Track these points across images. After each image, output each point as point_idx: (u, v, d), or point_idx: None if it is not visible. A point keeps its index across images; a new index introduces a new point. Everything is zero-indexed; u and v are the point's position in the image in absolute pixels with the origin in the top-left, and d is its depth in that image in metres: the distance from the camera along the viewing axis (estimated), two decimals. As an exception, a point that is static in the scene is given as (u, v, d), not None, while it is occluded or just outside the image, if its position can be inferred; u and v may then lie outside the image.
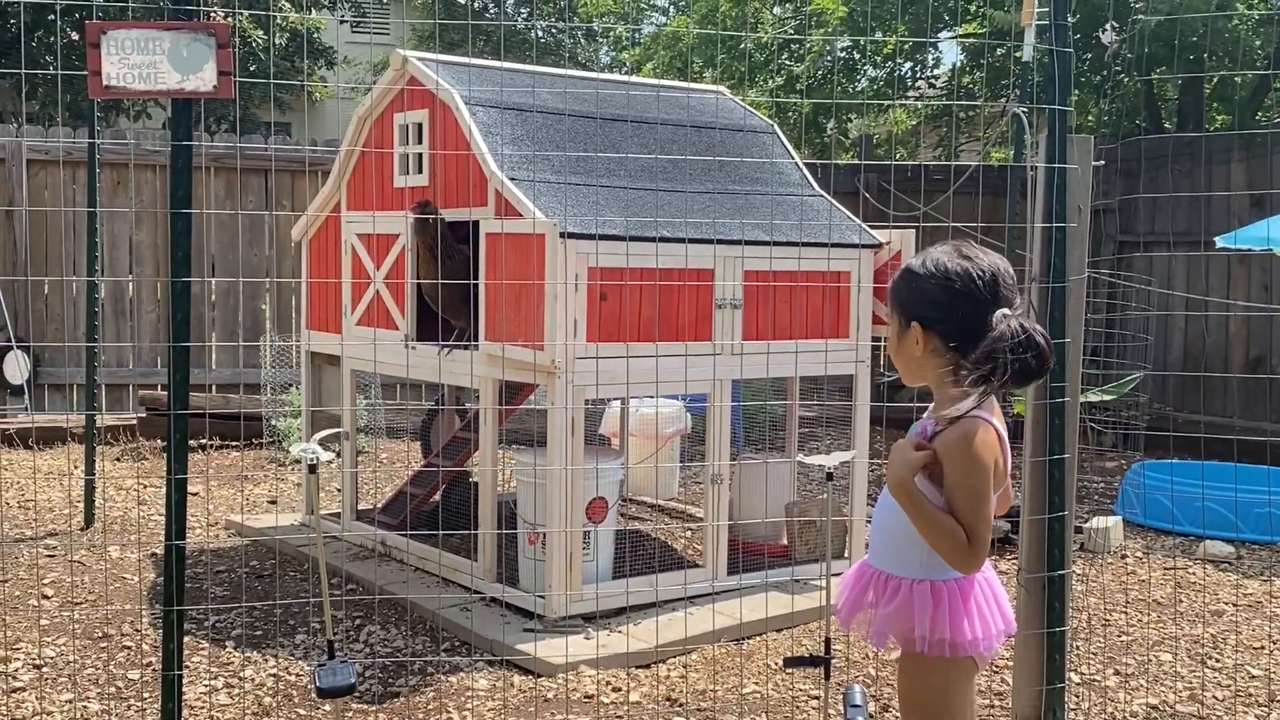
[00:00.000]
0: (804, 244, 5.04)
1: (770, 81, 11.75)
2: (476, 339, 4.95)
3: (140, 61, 2.73)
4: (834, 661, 4.17)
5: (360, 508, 6.08)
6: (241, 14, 14.29)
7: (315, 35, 17.16)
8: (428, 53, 5.34)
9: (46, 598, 5.03)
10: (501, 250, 4.71)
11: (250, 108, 15.82)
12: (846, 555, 5.43)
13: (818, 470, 6.61)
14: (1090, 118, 12.21)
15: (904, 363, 2.47)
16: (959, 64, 12.71)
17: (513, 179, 4.76)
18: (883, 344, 5.41)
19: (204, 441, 8.51)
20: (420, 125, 5.24)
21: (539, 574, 4.76)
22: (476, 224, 4.88)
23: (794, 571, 5.21)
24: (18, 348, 9.21)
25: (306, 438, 6.15)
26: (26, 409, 9.07)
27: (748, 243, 4.91)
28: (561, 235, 4.48)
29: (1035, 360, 2.32)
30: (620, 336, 4.69)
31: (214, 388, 9.59)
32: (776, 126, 5.81)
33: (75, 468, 7.48)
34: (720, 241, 4.85)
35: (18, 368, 9.27)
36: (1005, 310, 2.36)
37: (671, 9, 22.42)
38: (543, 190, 4.78)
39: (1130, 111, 11.58)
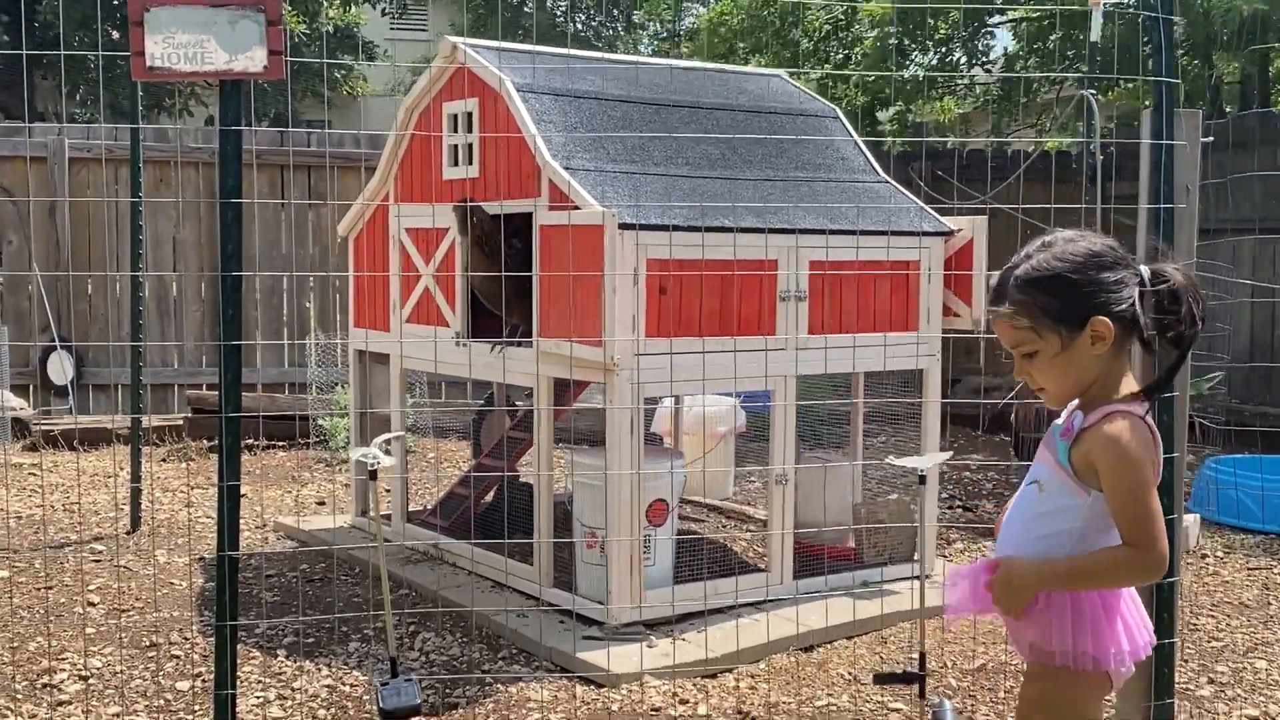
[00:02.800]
0: (872, 232, 4.83)
1: (821, 69, 11.50)
2: (530, 335, 4.76)
3: (186, 41, 2.56)
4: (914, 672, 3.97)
5: (410, 509, 5.92)
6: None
7: (356, 29, 17.06)
8: (478, 39, 5.15)
9: (92, 605, 4.89)
10: (557, 243, 4.52)
11: (292, 102, 15.73)
12: (917, 557, 5.21)
13: (879, 469, 6.38)
14: (1148, 102, 11.88)
15: (1073, 373, 2.23)
16: (1009, 50, 12.43)
17: (568, 168, 4.57)
18: (947, 338, 5.19)
19: (250, 442, 8.39)
20: (470, 114, 5.07)
21: (599, 579, 4.57)
22: (530, 216, 4.70)
23: (873, 575, 5.00)
24: (61, 348, 9.14)
25: (355, 439, 5.99)
26: (71, 410, 8.99)
27: (814, 231, 4.70)
28: (620, 226, 4.29)
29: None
30: (681, 331, 4.50)
31: (260, 387, 9.48)
32: (839, 109, 5.59)
33: (120, 469, 7.37)
34: (785, 231, 4.65)
35: (61, 368, 9.20)
36: (1145, 265, 2.24)
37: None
38: (599, 179, 4.59)
39: (1189, 95, 11.26)
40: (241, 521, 6.22)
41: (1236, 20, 8.75)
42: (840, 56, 12.14)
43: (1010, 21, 11.72)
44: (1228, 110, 10.96)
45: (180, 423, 8.47)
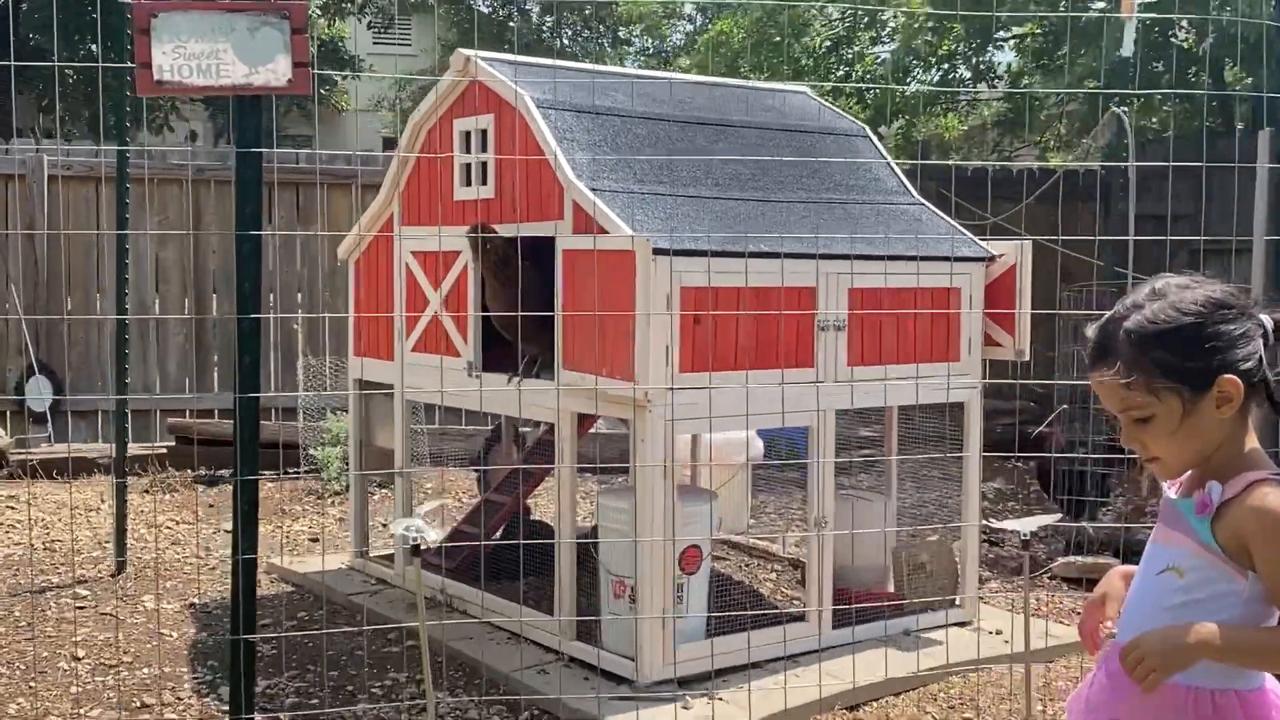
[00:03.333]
0: (915, 258, 4.53)
1: (822, 85, 11.24)
2: (551, 367, 4.45)
3: (199, 51, 2.23)
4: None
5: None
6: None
7: (339, 44, 16.72)
8: (491, 51, 4.84)
9: (78, 659, 4.53)
10: (582, 269, 4.21)
11: (276, 117, 15.35)
12: (959, 603, 4.91)
13: (914, 506, 6.08)
14: (1154, 120, 11.68)
15: (1196, 440, 1.95)
16: (1013, 66, 12.20)
17: (593, 189, 4.26)
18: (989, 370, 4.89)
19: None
20: (485, 131, 4.75)
21: (626, 632, 4.25)
22: (552, 241, 4.38)
23: (914, 622, 4.69)
24: (40, 373, 8.75)
25: (356, 472, 5.65)
26: (50, 438, 8.61)
27: (857, 257, 4.40)
28: (654, 252, 3.98)
29: None
30: (716, 364, 4.18)
31: (245, 412, 9.12)
32: (868, 128, 5.30)
33: (103, 503, 7.00)
34: (831, 257, 4.35)
35: (40, 394, 8.81)
36: (1265, 313, 1.96)
37: (699, 17, 21.94)
38: (626, 201, 4.28)
39: (1195, 112, 11.04)
40: (230, 559, 5.89)
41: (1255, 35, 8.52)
42: (840, 73, 11.88)
43: (1015, 37, 11.48)
44: (1239, 126, 10.73)
45: (163, 451, 8.10)
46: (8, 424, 8.67)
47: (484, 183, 4.77)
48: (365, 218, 5.41)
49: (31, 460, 7.85)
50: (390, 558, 5.52)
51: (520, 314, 4.26)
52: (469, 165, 4.84)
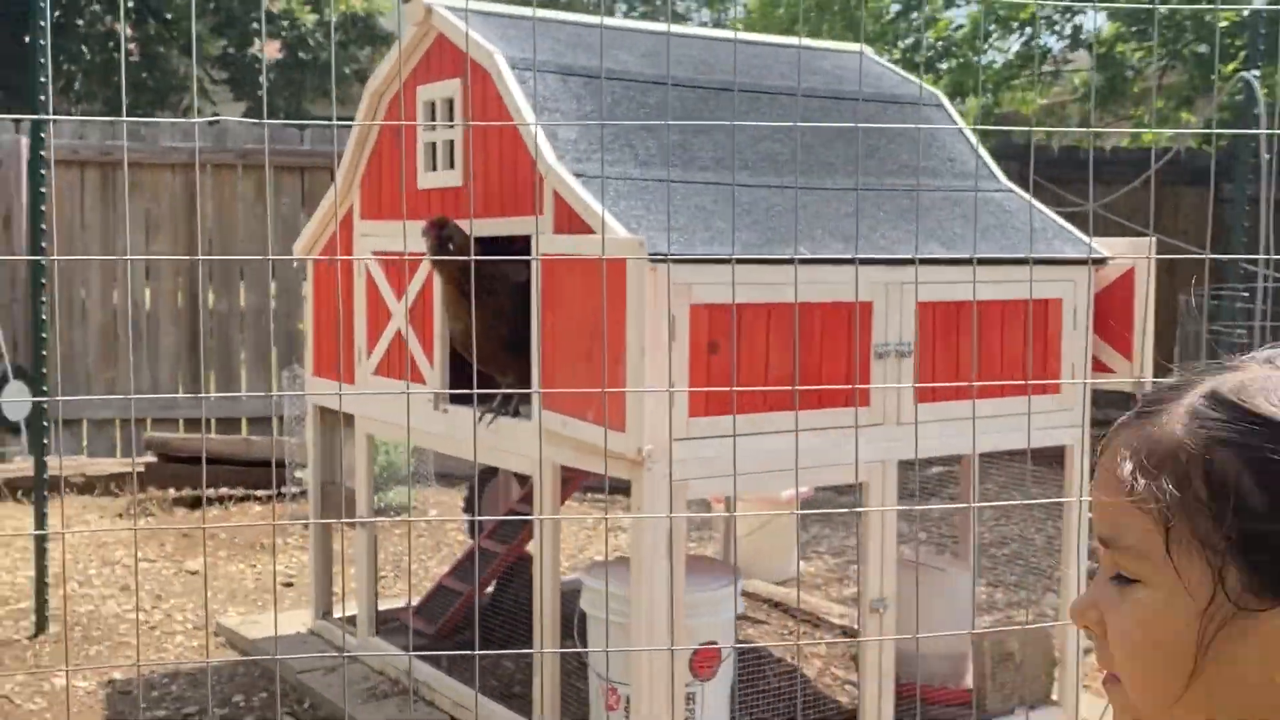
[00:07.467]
0: (1005, 261, 3.48)
1: (892, 53, 10.12)
2: (528, 403, 3.46)
3: None
4: None
5: (385, 606, 4.64)
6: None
7: (381, 17, 15.77)
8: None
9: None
10: (564, 280, 3.21)
11: (304, 102, 14.43)
12: (1055, 698, 3.86)
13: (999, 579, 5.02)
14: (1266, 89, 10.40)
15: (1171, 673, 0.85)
16: (1104, 31, 11.00)
17: (579, 175, 3.26)
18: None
19: (225, 492, 7.16)
20: (450, 101, 3.76)
21: (622, 752, 3.26)
22: (528, 242, 3.38)
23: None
24: (15, 379, 7.91)
25: (316, 517, 4.70)
26: (23, 452, 7.77)
27: (925, 261, 3.35)
28: (652, 258, 2.97)
29: None
30: (738, 406, 3.16)
31: (245, 422, 8.26)
32: (943, 96, 4.23)
33: (64, 529, 6.13)
34: (884, 261, 3.31)
35: (19, 402, 7.97)
36: None
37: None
38: (624, 191, 3.27)
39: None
40: (180, 618, 4.96)
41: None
42: (910, 41, 10.75)
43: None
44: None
45: (141, 469, 7.23)
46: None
47: (450, 166, 3.78)
48: (320, 210, 4.45)
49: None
50: (352, 619, 4.57)
51: (450, 319, 3.26)
52: (435, 144, 3.85)
